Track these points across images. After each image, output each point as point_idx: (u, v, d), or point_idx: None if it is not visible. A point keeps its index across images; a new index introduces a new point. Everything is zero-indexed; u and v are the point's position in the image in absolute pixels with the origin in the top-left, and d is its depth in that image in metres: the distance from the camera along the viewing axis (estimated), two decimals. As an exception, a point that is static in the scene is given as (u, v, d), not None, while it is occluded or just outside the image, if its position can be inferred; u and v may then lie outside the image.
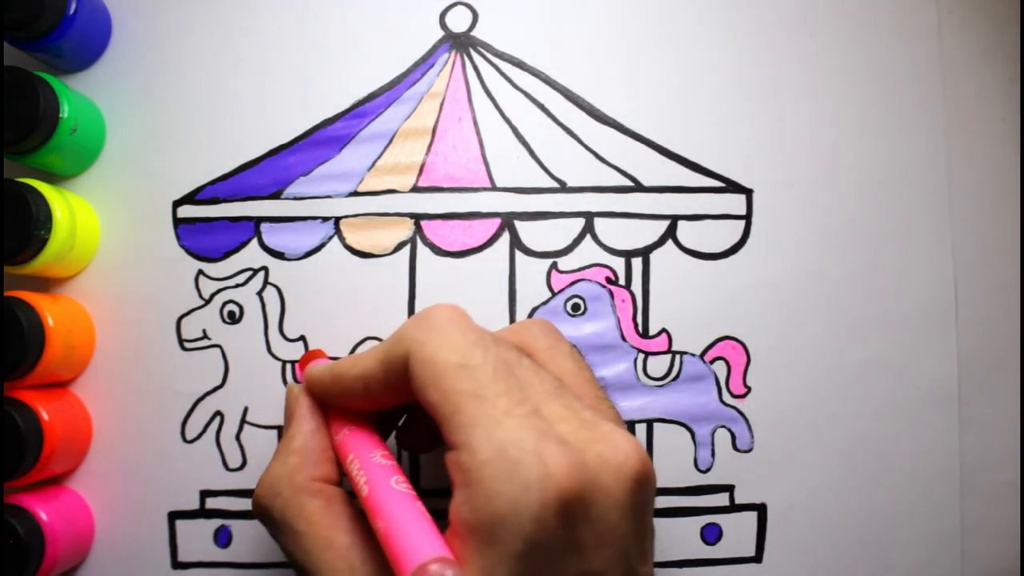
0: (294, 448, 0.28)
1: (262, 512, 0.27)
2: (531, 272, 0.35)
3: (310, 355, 0.33)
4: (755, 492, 0.34)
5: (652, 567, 0.25)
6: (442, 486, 0.34)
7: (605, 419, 0.24)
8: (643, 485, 0.23)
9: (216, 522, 0.35)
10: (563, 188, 0.35)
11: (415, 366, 0.24)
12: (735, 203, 0.35)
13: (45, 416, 0.32)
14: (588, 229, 0.35)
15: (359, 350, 0.35)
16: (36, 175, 0.35)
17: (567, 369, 0.27)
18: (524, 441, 0.22)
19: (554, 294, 0.35)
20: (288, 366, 0.35)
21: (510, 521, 0.21)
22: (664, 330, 0.35)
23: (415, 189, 0.35)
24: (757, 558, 0.34)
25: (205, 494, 0.35)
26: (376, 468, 0.26)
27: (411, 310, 0.35)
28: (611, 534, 0.23)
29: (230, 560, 0.34)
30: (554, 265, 0.35)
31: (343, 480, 0.28)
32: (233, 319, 0.35)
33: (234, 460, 0.35)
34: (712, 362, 0.35)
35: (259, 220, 0.35)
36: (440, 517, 0.23)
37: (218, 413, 0.35)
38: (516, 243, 0.35)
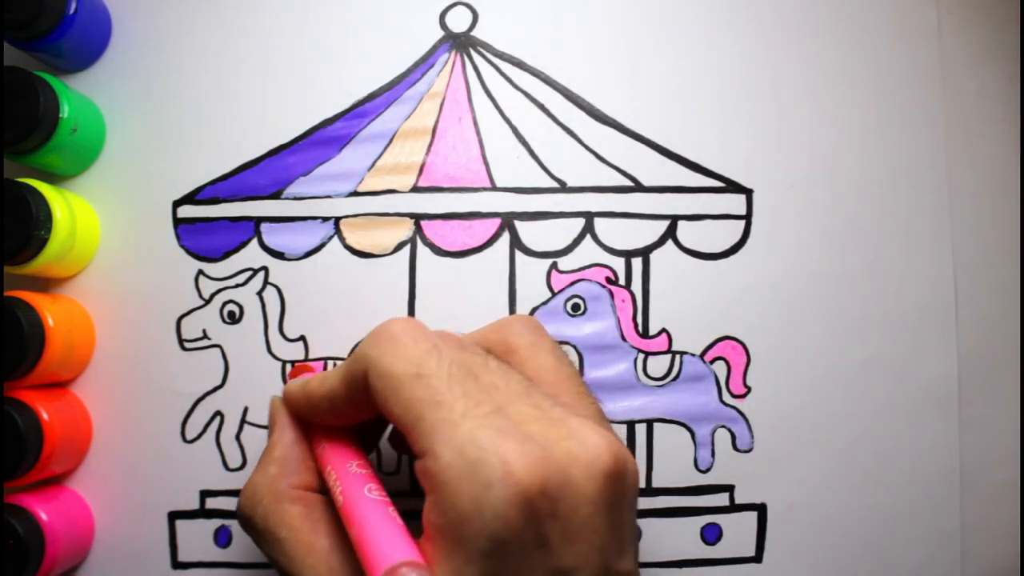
0: (274, 458, 0.29)
1: (245, 521, 0.28)
2: (531, 272, 0.35)
3: (297, 369, 0.33)
4: (755, 492, 0.34)
5: (635, 563, 0.25)
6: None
7: (579, 415, 0.24)
8: (616, 480, 0.23)
9: (216, 522, 0.35)
10: (563, 188, 0.35)
11: (374, 381, 0.24)
12: (735, 203, 0.35)
13: (45, 416, 0.32)
14: (588, 229, 0.35)
15: (359, 350, 0.35)
16: (36, 175, 0.35)
17: (547, 365, 0.27)
18: (482, 440, 0.22)
19: (554, 294, 0.35)
20: (288, 366, 0.35)
21: (474, 520, 0.21)
22: (664, 330, 0.35)
23: (415, 189, 0.35)
24: (757, 558, 0.34)
25: (205, 494, 0.35)
26: (351, 478, 0.26)
27: (411, 310, 0.35)
28: (582, 530, 0.23)
29: (230, 560, 0.34)
30: (554, 265, 0.35)
31: (323, 489, 0.28)
32: (233, 319, 0.35)
33: (234, 460, 0.35)
34: (712, 362, 0.35)
35: (259, 220, 0.35)
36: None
37: (218, 413, 0.35)
38: (516, 243, 0.35)
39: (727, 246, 0.35)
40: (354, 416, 0.27)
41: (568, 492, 0.22)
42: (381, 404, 0.24)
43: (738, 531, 0.34)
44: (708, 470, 0.34)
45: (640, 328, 0.35)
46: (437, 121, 0.36)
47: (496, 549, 0.21)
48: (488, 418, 0.23)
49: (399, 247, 0.35)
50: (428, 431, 0.23)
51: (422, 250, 0.35)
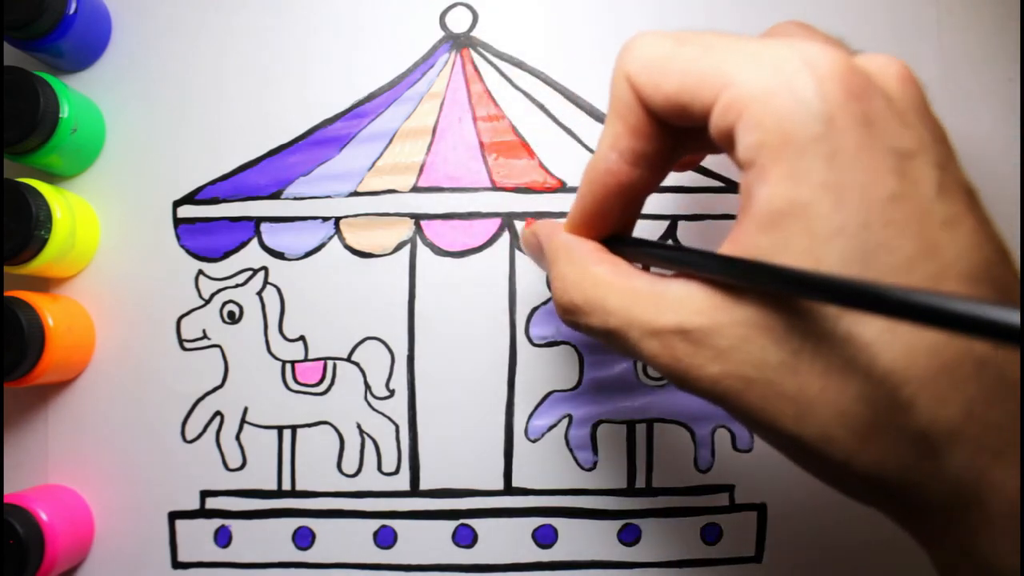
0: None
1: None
2: (531, 272, 0.35)
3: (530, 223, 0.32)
4: (755, 492, 0.34)
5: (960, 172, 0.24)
6: (446, 487, 0.34)
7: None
8: (916, 82, 0.23)
9: (216, 522, 0.35)
10: (563, 188, 0.35)
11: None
12: (735, 203, 0.35)
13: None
14: (588, 229, 0.35)
15: (359, 350, 0.35)
16: (36, 175, 0.35)
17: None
18: (778, 50, 0.21)
19: (554, 294, 0.35)
20: (288, 366, 0.35)
21: (796, 110, 0.20)
22: (664, 330, 0.35)
23: (415, 189, 0.35)
24: (757, 558, 0.34)
25: (205, 494, 0.35)
26: None
27: (411, 310, 0.35)
28: (907, 112, 0.22)
29: (230, 560, 0.34)
30: (554, 265, 0.35)
31: None
32: (233, 319, 0.35)
33: (234, 460, 0.35)
34: (712, 362, 0.35)
35: (259, 220, 0.35)
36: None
37: (218, 413, 0.35)
38: (516, 243, 0.35)
39: (727, 246, 0.35)
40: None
41: (879, 78, 0.22)
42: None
43: (738, 531, 0.34)
44: (708, 470, 0.34)
45: (640, 328, 0.35)
46: (437, 121, 0.36)
47: (825, 131, 0.20)
48: (778, 39, 0.22)
49: (399, 247, 0.35)
50: (719, 61, 0.22)
51: (422, 250, 0.35)
